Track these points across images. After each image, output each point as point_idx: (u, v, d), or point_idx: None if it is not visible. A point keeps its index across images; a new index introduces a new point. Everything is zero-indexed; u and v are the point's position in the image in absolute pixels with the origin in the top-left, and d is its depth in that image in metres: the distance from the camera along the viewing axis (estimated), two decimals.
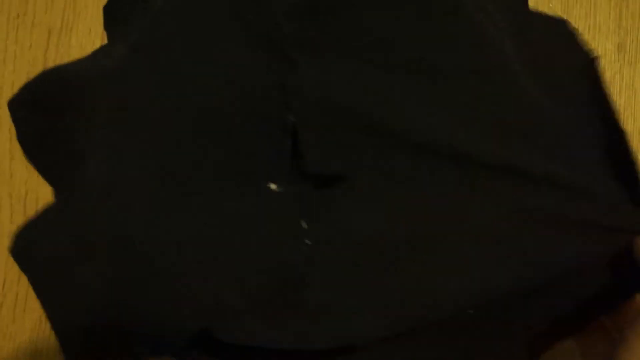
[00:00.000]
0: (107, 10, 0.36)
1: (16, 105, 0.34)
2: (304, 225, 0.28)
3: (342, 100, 0.28)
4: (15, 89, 0.35)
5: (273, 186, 0.29)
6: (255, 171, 0.28)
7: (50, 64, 0.36)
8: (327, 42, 0.29)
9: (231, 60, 0.29)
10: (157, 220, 0.28)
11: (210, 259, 0.28)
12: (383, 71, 0.28)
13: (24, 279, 0.34)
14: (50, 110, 0.33)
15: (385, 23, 0.29)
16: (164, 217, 0.28)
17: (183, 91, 0.29)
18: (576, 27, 0.37)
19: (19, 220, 0.35)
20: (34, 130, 0.34)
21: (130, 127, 0.29)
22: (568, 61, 0.33)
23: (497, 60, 0.29)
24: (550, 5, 0.37)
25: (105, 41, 0.36)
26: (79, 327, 0.30)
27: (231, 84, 0.29)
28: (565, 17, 0.37)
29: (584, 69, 0.32)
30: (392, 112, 0.28)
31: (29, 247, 0.32)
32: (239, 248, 0.28)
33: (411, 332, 0.28)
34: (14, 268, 0.34)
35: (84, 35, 0.36)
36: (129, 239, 0.28)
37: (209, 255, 0.28)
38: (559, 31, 0.34)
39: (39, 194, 0.35)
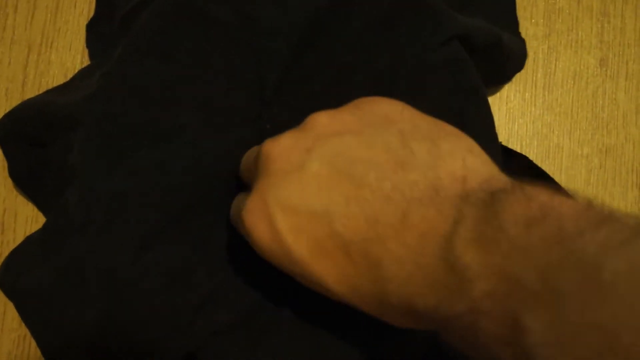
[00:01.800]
0: (89, 27, 0.35)
1: (6, 139, 0.34)
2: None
3: None
4: None
5: None
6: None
7: (30, 80, 0.35)
8: (300, 85, 0.30)
9: (211, 97, 0.30)
10: (143, 255, 0.28)
11: (196, 286, 0.28)
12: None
13: (1, 299, 0.33)
14: (39, 144, 0.33)
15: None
16: (149, 251, 0.28)
17: (164, 125, 0.29)
18: (559, 41, 0.37)
19: None
20: (25, 163, 0.34)
21: (113, 158, 0.29)
22: None
23: None
24: (533, 21, 0.37)
25: (86, 57, 0.35)
26: (69, 358, 0.29)
27: (211, 123, 0.30)
28: (547, 32, 0.37)
29: None
30: None
31: (16, 275, 0.32)
32: (226, 273, 0.28)
33: None
34: None
35: (64, 51, 0.35)
36: (114, 272, 0.28)
37: (196, 283, 0.28)
38: None
39: (17, 212, 0.34)
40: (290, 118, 0.27)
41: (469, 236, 0.18)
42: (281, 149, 0.23)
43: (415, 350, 0.29)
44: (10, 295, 0.32)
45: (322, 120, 0.23)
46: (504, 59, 0.35)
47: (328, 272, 0.22)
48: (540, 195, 0.18)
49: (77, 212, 0.28)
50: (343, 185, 0.21)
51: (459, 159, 0.21)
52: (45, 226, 0.31)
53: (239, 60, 0.30)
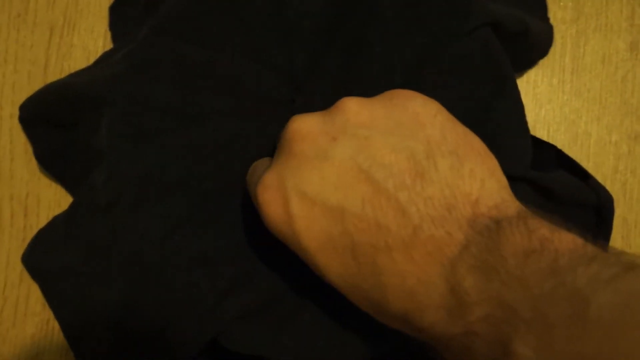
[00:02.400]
0: (112, 10, 0.35)
1: (30, 122, 0.34)
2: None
3: None
4: (17, 89, 0.35)
5: None
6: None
7: (52, 63, 0.35)
8: (331, 70, 0.30)
9: (240, 79, 0.29)
10: (170, 238, 0.28)
11: (222, 271, 0.28)
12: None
13: (25, 282, 0.33)
14: (63, 125, 0.33)
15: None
16: (175, 235, 0.28)
17: (192, 108, 0.29)
18: (588, 25, 0.36)
19: (20, 222, 0.34)
20: (50, 145, 0.34)
21: (140, 139, 0.29)
22: None
23: None
24: (561, 4, 0.36)
25: (108, 40, 0.35)
26: (91, 339, 0.30)
27: (238, 102, 0.29)
28: (576, 15, 0.36)
29: None
30: None
31: (41, 257, 0.32)
32: (249, 257, 0.28)
33: None
34: (15, 271, 0.34)
35: (86, 34, 0.35)
36: (140, 254, 0.28)
37: (221, 268, 0.28)
38: None
39: (40, 195, 0.34)
40: (323, 103, 0.27)
41: (472, 262, 0.19)
42: (307, 131, 0.23)
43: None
44: (34, 276, 0.32)
45: (352, 107, 0.23)
46: (530, 46, 0.34)
47: (332, 266, 0.22)
48: (541, 228, 0.19)
49: (103, 193, 0.28)
50: (362, 185, 0.21)
51: (478, 180, 0.21)
52: (71, 207, 0.31)
53: (269, 41, 0.29)
